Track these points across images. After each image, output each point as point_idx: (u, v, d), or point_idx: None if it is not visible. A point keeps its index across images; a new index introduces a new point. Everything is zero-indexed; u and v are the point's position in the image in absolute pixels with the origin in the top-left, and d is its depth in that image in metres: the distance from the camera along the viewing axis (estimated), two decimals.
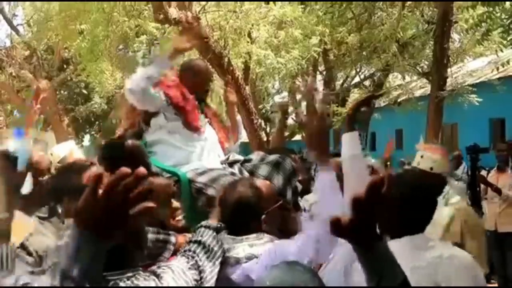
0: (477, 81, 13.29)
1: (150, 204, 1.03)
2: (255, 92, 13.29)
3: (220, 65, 7.86)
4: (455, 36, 12.99)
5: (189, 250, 1.77)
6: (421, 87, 15.38)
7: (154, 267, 1.66)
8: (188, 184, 2.48)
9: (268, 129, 21.94)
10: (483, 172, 6.41)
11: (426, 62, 12.69)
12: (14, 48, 15.13)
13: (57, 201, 2.24)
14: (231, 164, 2.75)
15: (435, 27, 10.69)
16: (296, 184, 2.87)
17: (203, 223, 1.93)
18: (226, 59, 7.76)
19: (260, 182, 2.12)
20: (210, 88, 2.97)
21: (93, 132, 23.11)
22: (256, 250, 1.91)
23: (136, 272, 1.58)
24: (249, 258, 1.91)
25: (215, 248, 1.82)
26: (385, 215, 1.88)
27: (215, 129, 2.94)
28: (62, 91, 18.77)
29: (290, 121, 22.72)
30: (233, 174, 2.60)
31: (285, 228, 2.45)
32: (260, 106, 16.19)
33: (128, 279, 1.55)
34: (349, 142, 2.28)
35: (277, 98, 23.88)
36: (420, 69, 12.84)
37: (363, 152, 2.70)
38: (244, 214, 1.95)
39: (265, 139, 14.32)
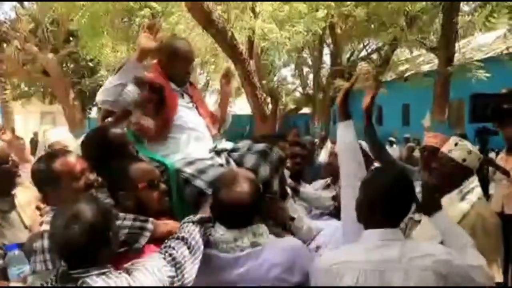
0: (486, 56, 13.03)
1: None
2: (260, 66, 13.13)
3: (224, 40, 7.73)
4: (466, 8, 12.73)
5: (169, 246, 1.76)
6: (429, 62, 15.17)
7: (128, 265, 1.64)
8: (175, 174, 2.43)
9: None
10: (492, 154, 6.33)
11: (434, 37, 12.48)
12: (19, 20, 15.01)
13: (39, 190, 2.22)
14: (219, 152, 2.65)
15: (444, 0, 10.46)
16: (283, 172, 2.83)
17: (186, 219, 1.92)
18: (229, 34, 7.63)
19: (251, 176, 2.09)
20: (190, 70, 2.76)
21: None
22: (260, 238, 1.96)
23: (105, 269, 1.57)
24: (255, 245, 1.93)
25: (198, 244, 1.83)
26: (365, 206, 1.94)
27: (201, 114, 2.83)
28: (68, 64, 18.68)
29: (297, 94, 22.67)
30: (221, 165, 2.52)
31: (273, 217, 2.49)
32: (265, 81, 16.02)
33: (97, 277, 1.54)
34: (344, 131, 2.35)
35: (284, 72, 23.76)
36: (428, 44, 12.63)
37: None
38: (244, 209, 1.94)
39: (269, 112, 14.23)
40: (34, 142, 15.35)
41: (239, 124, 26.22)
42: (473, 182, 2.69)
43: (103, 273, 1.56)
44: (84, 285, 1.52)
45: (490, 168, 5.82)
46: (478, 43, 13.54)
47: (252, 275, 1.89)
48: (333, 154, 3.74)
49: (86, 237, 1.55)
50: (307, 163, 4.04)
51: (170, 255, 1.72)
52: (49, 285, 1.58)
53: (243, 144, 2.70)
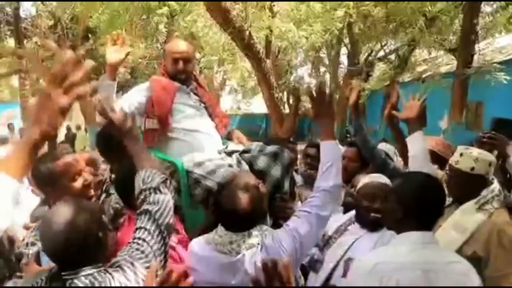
0: (506, 58, 12.86)
1: None
2: (277, 65, 13.15)
3: (241, 39, 7.77)
4: (487, 8, 12.59)
5: (141, 229, 1.75)
6: (447, 64, 15.02)
7: (107, 266, 1.65)
8: (185, 174, 2.47)
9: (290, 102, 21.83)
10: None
11: (454, 38, 12.35)
12: (39, 17, 15.23)
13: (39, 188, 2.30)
14: (230, 153, 2.71)
15: (464, 1, 10.36)
16: (293, 174, 2.89)
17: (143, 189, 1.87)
18: (247, 33, 7.66)
19: (255, 182, 2.15)
20: (188, 69, 2.79)
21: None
22: (255, 240, 2.01)
23: (95, 269, 1.59)
24: (250, 247, 1.99)
25: (162, 209, 1.80)
26: (395, 213, 1.97)
27: (211, 115, 2.86)
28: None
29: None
30: (230, 166, 2.57)
31: (283, 217, 2.54)
32: (282, 81, 16.03)
33: (85, 278, 1.56)
34: (412, 142, 2.54)
35: (300, 71, 23.71)
36: (447, 45, 12.50)
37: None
38: (243, 216, 2.02)
39: (287, 111, 14.26)
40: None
41: (255, 123, 26.31)
42: (493, 191, 2.58)
43: (91, 274, 1.57)
44: (73, 286, 1.53)
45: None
46: (499, 45, 13.35)
47: (246, 277, 1.93)
48: (345, 157, 3.76)
49: (73, 239, 1.57)
50: None
51: (138, 244, 1.72)
52: (39, 285, 1.58)
53: (255, 145, 2.76)
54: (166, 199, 1.83)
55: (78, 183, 2.24)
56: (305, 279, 2.48)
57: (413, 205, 1.96)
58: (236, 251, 1.97)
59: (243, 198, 2.00)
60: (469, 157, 2.57)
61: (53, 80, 1.26)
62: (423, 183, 2.03)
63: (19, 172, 1.24)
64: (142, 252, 1.67)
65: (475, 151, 2.63)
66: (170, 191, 1.89)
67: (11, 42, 16.06)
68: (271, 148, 2.69)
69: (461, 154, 2.60)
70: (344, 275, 2.31)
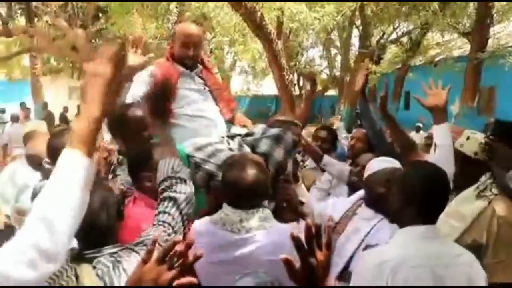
0: None
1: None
2: (287, 47, 13.06)
3: (253, 20, 7.72)
4: None
5: (165, 213, 1.78)
6: (460, 47, 14.85)
7: (131, 244, 1.67)
8: (186, 158, 2.49)
9: (301, 83, 21.75)
10: None
11: (468, 21, 12.19)
12: None
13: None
14: (232, 137, 2.70)
15: None
16: (296, 156, 2.88)
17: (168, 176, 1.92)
18: (258, 14, 7.61)
19: (259, 160, 2.17)
20: (196, 53, 2.76)
21: None
22: (265, 222, 2.01)
23: (116, 248, 1.62)
24: (260, 228, 1.99)
25: (186, 194, 1.86)
26: (398, 204, 1.89)
27: (215, 98, 2.83)
28: (97, 40, 18.89)
29: (323, 75, 22.50)
30: (231, 149, 2.56)
31: (286, 199, 2.62)
32: (293, 62, 15.94)
33: (110, 256, 1.58)
34: (439, 133, 2.47)
35: (311, 53, 23.57)
36: (460, 28, 12.35)
37: None
38: (250, 190, 2.01)
39: (297, 93, 14.14)
40: (63, 117, 15.72)
41: (264, 104, 26.27)
42: (492, 177, 2.49)
43: (115, 253, 1.60)
44: (99, 265, 1.55)
45: None
46: None
47: (255, 257, 1.94)
48: (354, 138, 3.77)
49: (102, 219, 1.61)
50: (331, 147, 4.07)
51: (164, 222, 1.76)
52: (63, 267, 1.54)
53: (258, 129, 2.75)
54: (192, 192, 1.90)
55: None
56: None
57: (417, 196, 1.86)
58: (246, 230, 1.97)
59: (249, 170, 2.02)
60: (474, 141, 2.53)
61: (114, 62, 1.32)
62: (429, 174, 1.91)
63: (92, 150, 1.27)
64: (169, 235, 1.71)
65: (482, 136, 2.58)
66: (191, 186, 1.94)
67: (22, 21, 16.07)
68: (274, 131, 2.66)
69: (467, 138, 2.56)
70: None
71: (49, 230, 1.14)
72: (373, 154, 2.94)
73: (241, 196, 2.02)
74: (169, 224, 1.75)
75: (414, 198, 1.87)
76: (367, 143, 3.44)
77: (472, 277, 1.78)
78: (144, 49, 2.58)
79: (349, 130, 4.69)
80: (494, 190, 2.46)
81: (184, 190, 1.86)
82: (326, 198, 3.24)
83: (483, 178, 2.50)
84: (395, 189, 1.97)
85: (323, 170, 3.66)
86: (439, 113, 2.40)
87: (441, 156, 2.30)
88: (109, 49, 1.34)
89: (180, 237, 1.69)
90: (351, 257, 2.30)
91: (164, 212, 1.77)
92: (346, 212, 2.54)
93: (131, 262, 1.57)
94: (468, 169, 2.52)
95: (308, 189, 3.37)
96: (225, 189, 2.08)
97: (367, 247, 2.26)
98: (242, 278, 1.81)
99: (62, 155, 1.23)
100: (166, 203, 1.82)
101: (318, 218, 2.67)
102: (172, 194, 1.84)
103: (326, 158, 3.26)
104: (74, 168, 1.22)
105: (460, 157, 2.53)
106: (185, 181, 1.90)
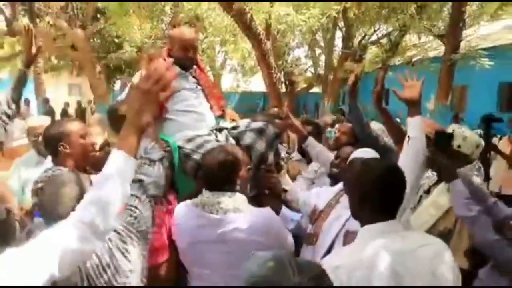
0: (490, 45, 12.80)
1: None
2: (276, 46, 13.05)
3: (243, 21, 7.71)
4: None
5: (133, 196, 1.79)
6: (435, 49, 14.94)
7: None
8: (177, 149, 2.53)
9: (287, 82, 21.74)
10: (495, 139, 6.34)
11: (443, 24, 12.27)
12: None
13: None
14: (220, 130, 2.78)
15: None
16: (278, 147, 2.96)
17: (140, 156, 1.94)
18: (248, 15, 7.60)
19: (236, 149, 2.27)
20: (194, 56, 2.83)
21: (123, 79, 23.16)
22: (240, 205, 2.10)
23: None
24: (236, 211, 2.08)
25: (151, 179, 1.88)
26: (355, 203, 1.78)
27: (207, 96, 2.88)
28: (95, 40, 18.70)
29: (308, 74, 22.52)
30: (218, 141, 2.64)
31: (269, 187, 2.69)
32: (280, 61, 15.93)
33: None
34: (410, 126, 2.31)
35: (297, 52, 23.55)
36: (435, 31, 12.43)
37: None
38: (222, 173, 2.11)
39: (284, 90, 14.11)
40: (65, 112, 15.60)
41: (253, 100, 26.22)
42: (471, 170, 2.57)
43: None
44: None
45: (492, 153, 5.81)
46: (484, 32, 13.27)
47: (233, 236, 2.02)
48: (339, 131, 3.78)
49: None
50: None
51: (131, 210, 1.79)
52: None
53: (243, 122, 2.85)
54: (159, 174, 1.90)
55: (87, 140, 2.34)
56: (297, 247, 2.40)
57: (370, 194, 1.73)
58: (224, 211, 2.05)
59: (218, 157, 2.12)
60: (459, 135, 2.56)
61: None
62: (380, 171, 1.77)
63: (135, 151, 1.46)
64: (135, 218, 1.75)
65: (467, 132, 2.61)
66: (164, 168, 1.97)
67: (25, 21, 15.87)
68: (256, 124, 2.76)
69: (452, 131, 2.60)
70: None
71: (102, 212, 1.32)
72: (357, 147, 2.97)
73: (212, 179, 2.12)
74: (136, 207, 1.77)
75: (367, 197, 1.74)
76: (352, 137, 3.47)
77: (436, 272, 1.59)
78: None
79: (332, 125, 4.69)
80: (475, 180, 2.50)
81: (151, 173, 1.87)
82: (311, 187, 3.25)
83: (462, 170, 2.50)
84: (349, 190, 1.89)
85: (308, 162, 3.68)
86: (413, 106, 2.31)
87: (412, 148, 2.22)
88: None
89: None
90: (333, 243, 2.31)
91: (132, 195, 1.77)
92: (330, 201, 2.56)
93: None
94: (451, 161, 2.49)
95: (294, 179, 3.38)
96: (202, 173, 2.18)
97: (347, 232, 2.28)
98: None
99: (112, 155, 1.43)
100: (132, 185, 1.80)
101: (302, 206, 2.71)
102: (139, 177, 1.85)
103: (310, 139, 3.28)
104: (124, 166, 1.41)
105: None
106: (154, 162, 1.90)
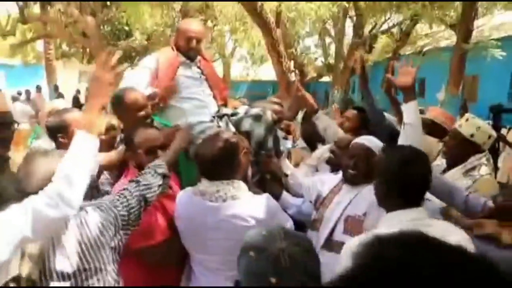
0: (502, 35, 12.64)
1: None
2: (286, 35, 13.00)
3: (254, 9, 7.70)
4: None
5: (126, 189, 1.90)
6: (447, 38, 14.79)
7: (86, 203, 1.77)
8: None
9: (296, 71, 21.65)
10: (503, 130, 6.29)
11: (455, 14, 12.14)
12: None
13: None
14: (221, 117, 2.87)
15: None
16: (276, 133, 3.00)
17: (149, 166, 2.06)
18: (259, 3, 7.58)
19: (230, 137, 2.22)
20: (194, 46, 2.87)
21: (133, 66, 23.21)
22: (238, 192, 2.09)
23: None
24: (235, 198, 2.07)
25: (151, 185, 1.97)
26: (380, 190, 1.80)
27: (210, 86, 2.95)
28: (105, 27, 18.75)
29: (318, 63, 22.42)
30: (219, 127, 2.73)
31: (269, 171, 2.73)
32: (291, 50, 15.86)
33: (81, 210, 1.70)
34: (406, 111, 2.25)
35: (307, 41, 23.42)
36: (447, 20, 12.30)
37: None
38: (219, 161, 2.09)
39: (293, 79, 14.05)
40: (76, 98, 15.66)
41: (262, 89, 26.21)
42: (481, 159, 2.54)
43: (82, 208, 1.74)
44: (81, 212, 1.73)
45: (501, 143, 5.78)
46: (497, 23, 13.10)
47: (232, 223, 2.02)
48: (344, 117, 3.77)
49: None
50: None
51: (125, 196, 1.87)
52: None
53: (242, 109, 2.94)
54: (157, 184, 2.00)
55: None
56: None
57: (396, 181, 1.73)
58: (223, 199, 2.06)
59: (213, 146, 2.10)
60: (473, 124, 2.58)
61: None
62: (405, 157, 1.77)
63: (93, 127, 1.71)
64: (121, 203, 1.83)
65: (481, 122, 2.62)
66: (164, 183, 2.04)
67: (36, 9, 15.93)
68: (254, 111, 2.84)
69: (467, 120, 2.61)
70: (345, 231, 2.34)
71: (69, 184, 1.56)
72: (365, 133, 2.96)
73: (208, 169, 2.11)
74: (125, 197, 1.86)
75: (392, 183, 1.74)
76: (358, 123, 3.46)
77: None
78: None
79: (341, 113, 4.69)
80: (482, 171, 2.49)
81: (150, 180, 1.97)
82: (314, 174, 3.27)
83: (472, 159, 2.54)
84: (375, 175, 1.87)
85: (312, 150, 3.68)
86: (407, 92, 2.25)
87: (407, 134, 2.19)
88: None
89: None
90: (334, 227, 2.33)
91: (126, 189, 1.90)
92: (333, 187, 2.58)
93: (79, 216, 1.70)
94: (463, 148, 2.56)
95: (297, 166, 3.40)
96: (198, 162, 2.16)
97: (348, 217, 2.29)
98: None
99: (77, 135, 1.67)
100: (131, 184, 1.94)
101: (306, 192, 2.73)
102: (139, 178, 1.96)
103: (320, 113, 3.30)
104: (86, 144, 1.67)
105: (457, 137, 2.59)
106: (157, 174, 2.01)
